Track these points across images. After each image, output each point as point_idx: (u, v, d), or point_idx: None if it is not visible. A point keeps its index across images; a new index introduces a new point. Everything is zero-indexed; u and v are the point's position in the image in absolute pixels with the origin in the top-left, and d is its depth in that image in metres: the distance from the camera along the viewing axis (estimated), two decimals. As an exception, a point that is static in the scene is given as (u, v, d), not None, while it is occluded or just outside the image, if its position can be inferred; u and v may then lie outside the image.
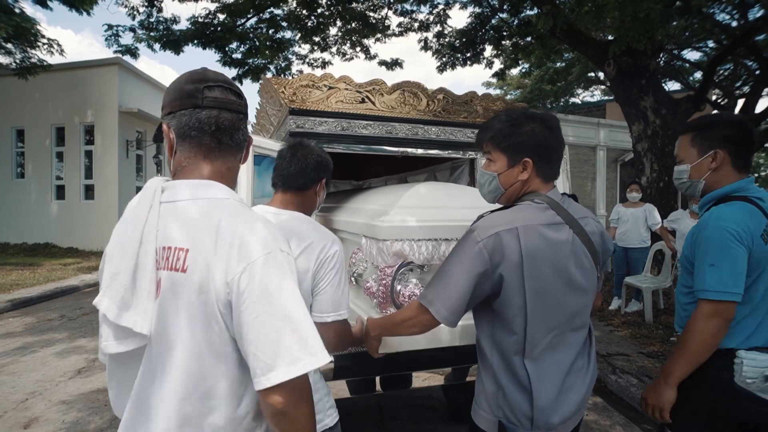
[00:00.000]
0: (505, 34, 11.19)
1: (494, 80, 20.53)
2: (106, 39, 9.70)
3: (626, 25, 5.38)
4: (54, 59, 11.09)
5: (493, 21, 11.28)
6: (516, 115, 1.24)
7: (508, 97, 27.43)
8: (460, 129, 2.28)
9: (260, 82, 2.44)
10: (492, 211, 1.22)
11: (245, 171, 1.75)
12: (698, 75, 18.25)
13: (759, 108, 16.96)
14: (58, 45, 10.63)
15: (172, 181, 0.90)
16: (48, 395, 3.33)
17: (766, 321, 1.36)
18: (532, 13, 9.41)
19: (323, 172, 1.51)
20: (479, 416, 1.22)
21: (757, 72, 16.13)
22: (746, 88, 18.77)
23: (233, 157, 0.94)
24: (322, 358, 0.80)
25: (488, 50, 11.95)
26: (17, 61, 10.60)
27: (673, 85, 20.46)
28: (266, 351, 0.77)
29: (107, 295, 0.81)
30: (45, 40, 10.46)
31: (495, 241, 1.11)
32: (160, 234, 0.84)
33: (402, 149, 2.24)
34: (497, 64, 12.39)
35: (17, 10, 10.12)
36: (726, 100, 20.01)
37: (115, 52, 9.87)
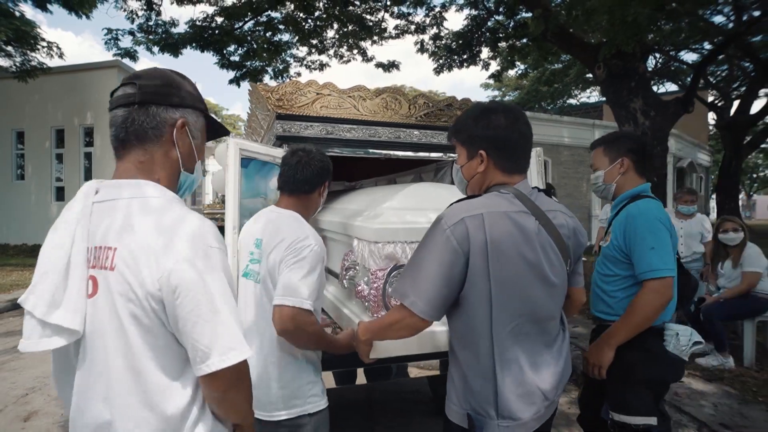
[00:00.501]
0: (500, 36, 11.30)
1: (492, 81, 20.68)
2: (106, 42, 9.78)
3: (615, 29, 5.49)
4: (53, 62, 11.21)
5: (489, 23, 11.38)
6: (477, 109, 1.26)
7: (506, 98, 27.50)
8: (441, 132, 2.38)
9: (248, 89, 2.54)
10: (459, 200, 1.23)
11: (232, 173, 1.85)
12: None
13: (754, 109, 16.99)
14: (58, 48, 10.74)
15: (106, 182, 0.92)
16: (47, 390, 3.43)
17: (673, 299, 1.64)
18: (527, 15, 9.51)
19: (325, 176, 1.64)
20: (451, 410, 1.23)
21: (753, 74, 16.23)
22: (743, 89, 18.86)
23: (143, 150, 0.92)
24: (244, 352, 0.86)
25: (485, 52, 12.02)
26: (17, 64, 10.69)
27: (670, 87, 20.50)
28: (202, 341, 0.81)
29: (34, 293, 0.82)
30: (44, 44, 10.56)
31: (461, 227, 1.11)
32: (92, 234, 0.86)
33: (385, 152, 2.34)
34: (494, 66, 12.49)
35: (17, 14, 10.24)
36: (722, 102, 20.14)
37: (115, 55, 9.97)
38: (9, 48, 10.51)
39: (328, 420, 1.58)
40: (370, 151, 2.33)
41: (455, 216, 1.13)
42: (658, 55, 13.90)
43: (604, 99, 21.51)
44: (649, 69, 12.63)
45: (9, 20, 9.58)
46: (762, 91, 16.20)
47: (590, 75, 16.47)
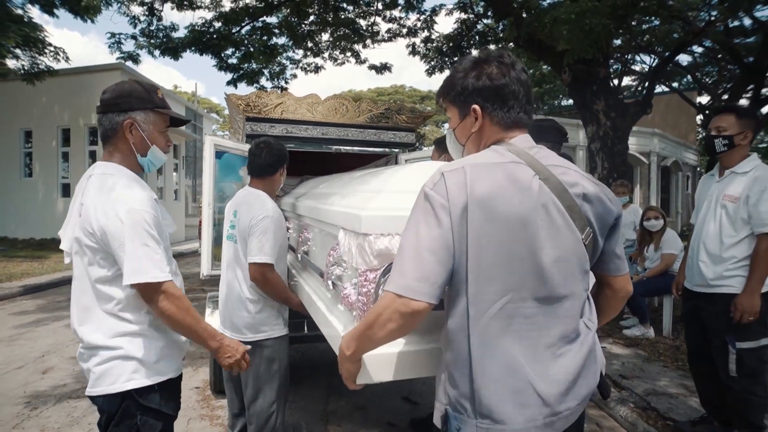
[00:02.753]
0: (490, 39, 11.78)
1: None
2: (109, 46, 10.33)
3: (575, 38, 6.01)
4: (59, 65, 11.78)
5: (479, 26, 11.85)
6: (468, 62, 1.10)
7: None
8: (384, 131, 2.92)
9: (224, 98, 3.09)
10: None
11: (207, 162, 2.41)
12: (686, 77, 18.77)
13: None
14: (64, 53, 11.32)
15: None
16: (60, 353, 3.99)
17: None
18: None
19: (283, 161, 2.18)
20: (436, 408, 1.05)
21: (738, 75, 16.68)
22: (729, 91, 19.33)
23: (109, 143, 1.38)
24: (158, 276, 1.26)
25: (474, 54, 12.47)
26: (26, 67, 11.27)
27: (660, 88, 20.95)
28: (128, 264, 1.24)
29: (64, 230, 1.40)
30: (52, 48, 11.14)
31: (441, 184, 0.95)
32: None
33: (336, 147, 2.89)
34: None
35: (26, 19, 10.80)
36: (712, 102, 20.59)
37: (118, 58, 10.50)
38: (17, 51, 11.07)
39: (287, 344, 2.14)
40: (324, 146, 2.88)
41: (436, 174, 0.98)
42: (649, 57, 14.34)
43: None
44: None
45: (19, 26, 10.16)
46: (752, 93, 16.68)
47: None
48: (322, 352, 3.76)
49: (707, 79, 20.94)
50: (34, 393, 3.18)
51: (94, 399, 1.32)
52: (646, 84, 10.66)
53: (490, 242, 0.93)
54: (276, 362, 2.08)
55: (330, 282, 1.54)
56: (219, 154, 2.51)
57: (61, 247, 1.40)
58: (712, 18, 7.45)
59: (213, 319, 2.75)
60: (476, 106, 1.06)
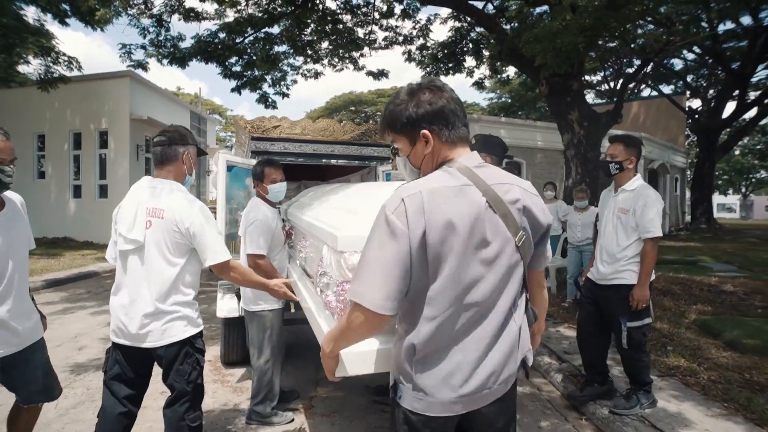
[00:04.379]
0: (483, 46, 12.35)
1: (489, 84, 21.70)
2: (120, 55, 10.94)
3: (549, 55, 6.61)
4: (72, 73, 12.42)
5: (472, 35, 12.42)
6: (401, 95, 1.24)
7: (501, 99, 28.58)
8: (364, 147, 3.54)
9: (231, 121, 3.71)
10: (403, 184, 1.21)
11: (221, 173, 3.03)
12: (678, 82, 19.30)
13: (725, 114, 17.99)
14: (77, 62, 11.96)
15: (153, 179, 2.00)
16: (91, 335, 4.63)
17: None
18: (507, 27, 10.54)
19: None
20: (390, 377, 1.26)
21: (723, 78, 17.25)
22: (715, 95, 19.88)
23: (171, 165, 1.98)
24: (228, 256, 1.97)
25: (469, 61, 12.97)
26: (41, 74, 11.92)
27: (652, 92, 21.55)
28: (210, 250, 1.93)
29: (121, 228, 1.96)
30: (66, 58, 11.79)
31: (401, 208, 1.09)
32: (148, 201, 1.92)
33: (325, 160, 3.52)
34: (477, 74, 13.55)
35: (42, 30, 11.46)
36: (702, 106, 21.14)
37: (128, 66, 11.08)
38: (30, 58, 11.69)
39: (281, 316, 2.77)
40: (315, 160, 3.51)
41: (396, 198, 1.12)
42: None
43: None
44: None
45: (36, 37, 10.82)
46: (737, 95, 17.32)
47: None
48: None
49: (702, 82, 21.61)
50: (75, 364, 3.81)
51: (155, 350, 1.90)
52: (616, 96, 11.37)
53: (446, 261, 1.09)
54: (269, 329, 2.72)
55: (319, 289, 1.83)
56: (229, 168, 3.14)
57: (135, 237, 1.89)
58: (671, 38, 8.03)
59: (224, 302, 3.38)
60: (425, 131, 1.19)
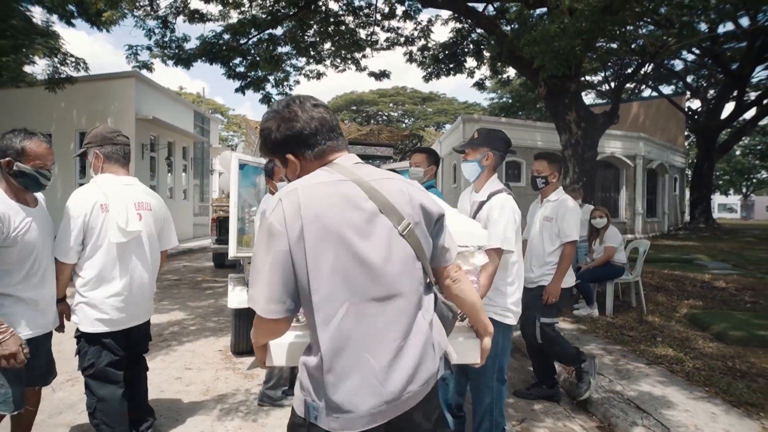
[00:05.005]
0: (483, 47, 12.52)
1: (491, 84, 21.83)
2: (127, 57, 11.13)
3: (547, 56, 6.78)
4: (79, 74, 12.61)
5: (473, 36, 12.59)
6: (265, 119, 1.23)
7: (503, 99, 28.75)
8: (368, 146, 3.73)
9: (233, 120, 3.90)
10: None
11: (233, 172, 3.21)
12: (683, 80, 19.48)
13: (724, 114, 18.15)
14: (84, 63, 12.16)
15: (124, 178, 2.28)
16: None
17: None
18: (507, 28, 10.71)
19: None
20: (296, 396, 1.17)
21: (722, 79, 17.42)
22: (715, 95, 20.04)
23: (128, 164, 2.31)
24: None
25: (470, 61, 13.13)
26: (49, 75, 12.12)
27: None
28: (174, 235, 2.45)
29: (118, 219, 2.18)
30: (73, 59, 11.98)
31: (279, 208, 1.08)
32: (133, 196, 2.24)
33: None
34: (479, 74, 13.70)
35: (49, 31, 11.66)
36: (702, 107, 21.31)
37: (134, 67, 11.27)
38: (35, 58, 11.87)
39: None
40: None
41: (274, 200, 1.11)
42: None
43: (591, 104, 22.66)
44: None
45: (45, 40, 11.02)
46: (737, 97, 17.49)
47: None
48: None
49: (702, 82, 21.76)
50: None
51: (141, 325, 2.36)
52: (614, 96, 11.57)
53: (326, 256, 1.06)
54: None
55: None
56: (241, 166, 3.33)
57: (135, 228, 2.16)
58: (667, 40, 8.19)
59: (234, 294, 3.57)
60: (289, 156, 1.19)
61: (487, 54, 12.44)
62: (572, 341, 4.13)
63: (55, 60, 11.91)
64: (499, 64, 12.21)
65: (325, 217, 1.07)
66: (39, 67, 12.26)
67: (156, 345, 4.16)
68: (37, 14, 12.12)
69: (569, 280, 3.10)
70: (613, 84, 21.43)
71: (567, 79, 7.56)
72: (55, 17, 12.34)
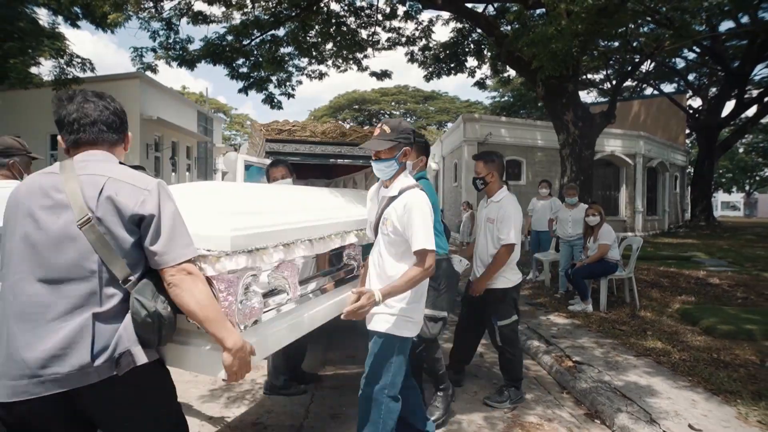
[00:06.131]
0: (483, 46, 12.64)
1: (492, 83, 21.92)
2: (132, 59, 11.30)
3: (544, 58, 6.91)
4: (85, 74, 12.81)
5: (474, 35, 12.71)
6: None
7: (504, 98, 28.84)
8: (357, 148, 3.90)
9: (248, 123, 4.06)
10: None
11: (239, 172, 3.38)
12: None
13: (724, 113, 18.18)
14: (90, 64, 12.36)
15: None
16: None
17: None
18: (507, 29, 10.82)
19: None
20: None
21: (722, 77, 17.48)
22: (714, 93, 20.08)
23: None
24: None
25: (471, 61, 13.23)
26: (56, 76, 12.32)
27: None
28: None
29: None
30: (79, 60, 12.19)
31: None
32: None
33: (332, 160, 3.86)
34: (479, 74, 13.82)
35: (56, 33, 11.84)
36: (702, 105, 21.34)
37: (138, 68, 11.45)
38: (41, 59, 12.05)
39: None
40: (322, 160, 3.86)
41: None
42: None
43: (595, 101, 22.68)
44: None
45: (51, 41, 11.22)
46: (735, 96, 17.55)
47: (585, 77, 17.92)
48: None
49: (704, 80, 21.79)
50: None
51: None
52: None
53: (12, 235, 1.24)
54: None
55: None
56: (247, 167, 3.49)
57: None
58: (664, 40, 8.31)
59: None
60: (59, 136, 1.39)
61: (487, 53, 12.57)
62: (566, 335, 4.29)
63: (62, 61, 12.11)
64: (499, 63, 12.34)
65: (19, 203, 1.26)
66: (45, 68, 12.40)
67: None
68: (43, 16, 12.30)
69: (514, 278, 3.06)
70: (614, 82, 21.57)
71: (564, 79, 7.69)
72: (60, 19, 12.57)
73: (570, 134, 7.82)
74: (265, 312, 1.68)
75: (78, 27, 12.29)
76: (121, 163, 1.40)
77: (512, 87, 25.38)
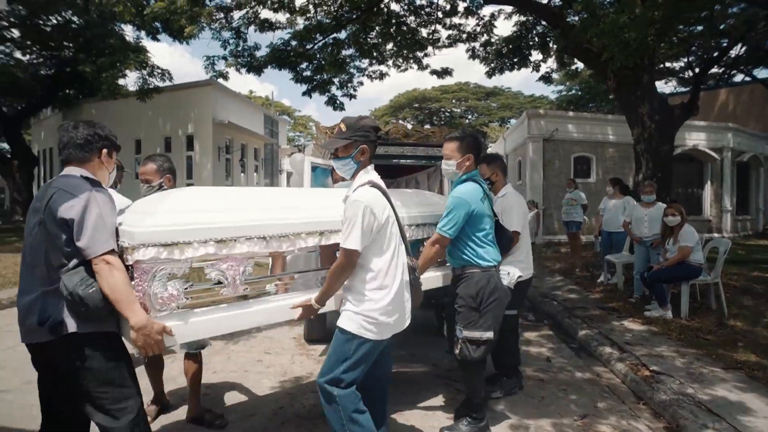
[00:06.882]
0: (549, 39, 12.16)
1: (558, 76, 20.97)
2: (205, 67, 12.04)
3: (616, 48, 6.51)
4: (164, 84, 13.85)
5: (539, 28, 12.26)
6: None
7: (571, 92, 27.54)
8: (430, 148, 3.87)
9: (311, 125, 4.19)
10: None
11: (306, 173, 3.49)
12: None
13: None
14: (169, 74, 13.33)
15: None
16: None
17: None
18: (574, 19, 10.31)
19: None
20: None
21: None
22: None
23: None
24: None
25: (535, 55, 12.77)
26: (140, 86, 13.44)
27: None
28: None
29: None
30: (159, 70, 13.20)
31: None
32: None
33: (395, 160, 3.89)
34: (544, 68, 13.30)
35: (140, 47, 12.93)
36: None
37: (211, 76, 12.19)
38: (126, 72, 13.19)
39: None
40: (389, 161, 3.91)
41: None
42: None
43: (674, 92, 21.02)
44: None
45: (136, 54, 12.24)
46: None
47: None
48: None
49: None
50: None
51: None
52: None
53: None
54: None
55: None
56: (313, 168, 3.60)
57: None
58: (761, 20, 7.50)
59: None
60: None
61: (553, 46, 12.06)
62: (642, 342, 4.03)
63: (144, 72, 13.18)
64: (565, 56, 11.80)
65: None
66: (130, 80, 13.56)
67: (239, 331, 4.58)
68: (129, 32, 13.44)
69: (525, 273, 3.06)
70: (697, 70, 19.79)
71: (639, 69, 7.20)
72: (143, 33, 13.66)
73: (646, 128, 7.30)
74: (194, 302, 1.88)
75: (158, 40, 13.25)
76: (89, 178, 1.76)
77: (580, 80, 24.18)
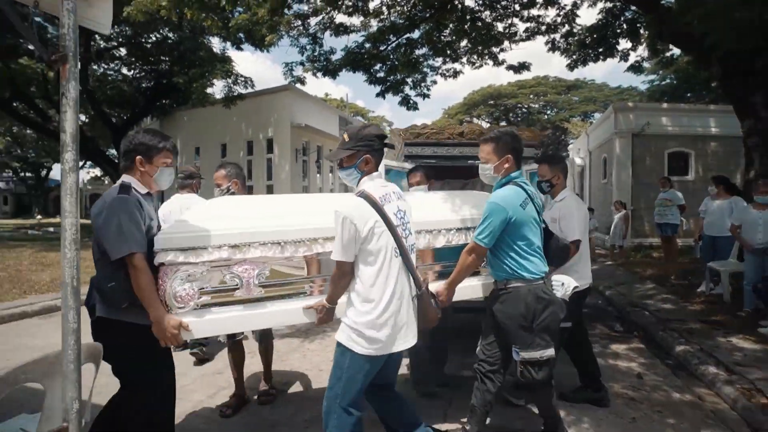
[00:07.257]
0: (639, 25, 11.20)
1: (650, 65, 19.31)
2: (284, 73, 12.57)
3: (724, 32, 5.80)
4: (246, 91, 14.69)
5: (627, 14, 11.35)
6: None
7: (665, 81, 25.28)
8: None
9: (384, 125, 4.17)
10: None
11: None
12: None
13: None
14: (251, 81, 14.12)
15: None
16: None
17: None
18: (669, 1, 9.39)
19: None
20: None
21: None
22: None
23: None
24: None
25: (622, 43, 11.86)
26: (225, 94, 14.38)
27: None
28: None
29: None
30: (242, 78, 14.03)
31: None
32: None
33: (470, 161, 3.76)
34: (633, 56, 12.32)
35: (226, 57, 13.84)
36: None
37: (290, 81, 12.71)
38: (214, 81, 14.16)
39: None
40: (462, 160, 3.78)
41: None
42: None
43: None
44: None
45: (222, 64, 13.12)
46: None
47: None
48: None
49: None
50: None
51: None
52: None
53: None
54: None
55: None
56: (387, 171, 3.59)
57: None
58: None
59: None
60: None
61: (644, 33, 11.08)
62: (756, 364, 3.54)
63: (229, 81, 14.07)
64: (659, 42, 10.79)
65: None
66: (217, 88, 14.57)
67: (313, 331, 4.71)
68: (215, 44, 14.43)
69: (581, 282, 2.79)
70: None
71: (753, 53, 6.36)
72: (228, 44, 14.61)
73: (759, 120, 6.44)
74: (211, 301, 1.97)
75: (241, 49, 14.07)
76: (123, 184, 1.96)
77: (675, 68, 22.02)
